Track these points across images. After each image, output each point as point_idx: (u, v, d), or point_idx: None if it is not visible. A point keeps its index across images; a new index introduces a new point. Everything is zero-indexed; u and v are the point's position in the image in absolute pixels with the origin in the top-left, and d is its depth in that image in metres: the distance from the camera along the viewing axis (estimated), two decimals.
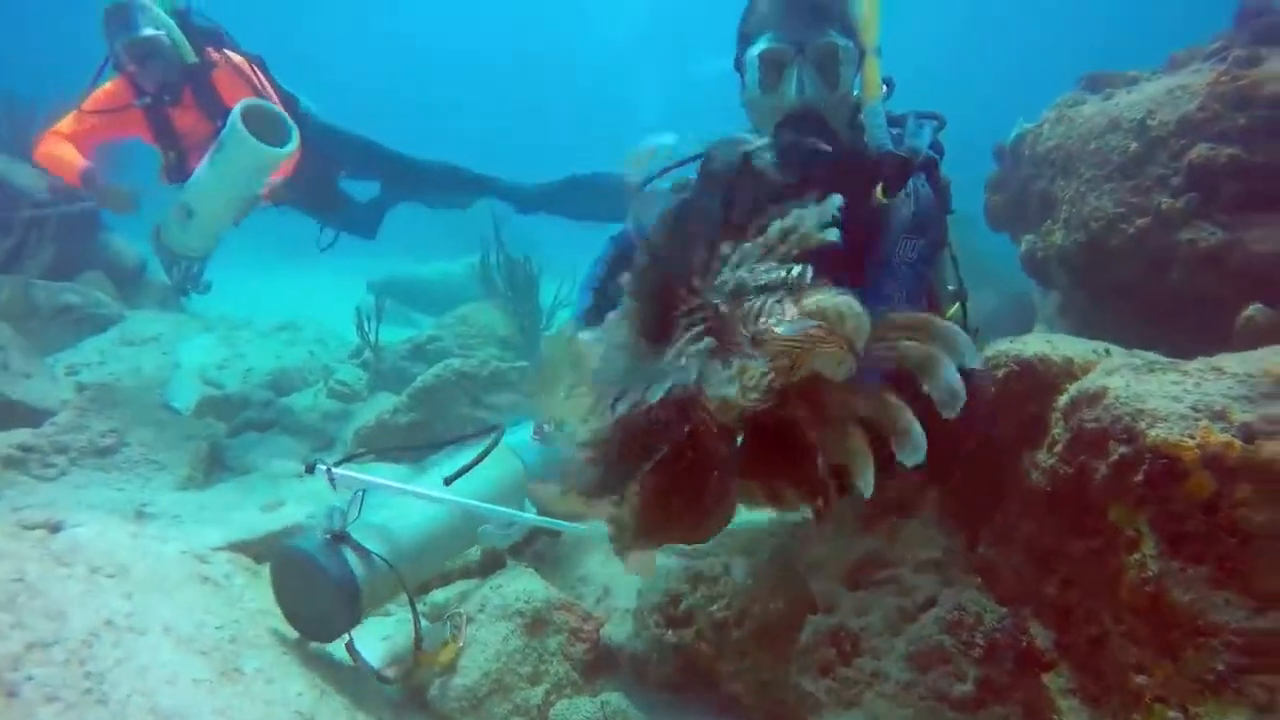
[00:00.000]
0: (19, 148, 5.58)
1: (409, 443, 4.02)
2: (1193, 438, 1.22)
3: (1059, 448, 1.42)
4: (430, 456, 2.97)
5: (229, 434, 4.29)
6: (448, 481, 1.94)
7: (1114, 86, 2.88)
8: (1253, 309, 2.10)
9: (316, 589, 1.73)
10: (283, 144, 3.35)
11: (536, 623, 2.02)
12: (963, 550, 1.68)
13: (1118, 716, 1.35)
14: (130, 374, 5.34)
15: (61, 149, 3.78)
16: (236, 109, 3.27)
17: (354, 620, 1.79)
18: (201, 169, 3.48)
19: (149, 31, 3.48)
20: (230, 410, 4.77)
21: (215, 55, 3.73)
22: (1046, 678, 1.51)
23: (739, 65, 1.65)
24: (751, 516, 1.66)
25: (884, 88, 1.58)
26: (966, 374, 0.84)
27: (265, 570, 2.20)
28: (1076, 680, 1.45)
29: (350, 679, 1.84)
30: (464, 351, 4.85)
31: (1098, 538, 1.37)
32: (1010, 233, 3.29)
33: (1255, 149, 2.35)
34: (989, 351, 1.60)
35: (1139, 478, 1.26)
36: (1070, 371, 1.52)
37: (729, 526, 1.28)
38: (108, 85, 3.75)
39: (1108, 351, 1.58)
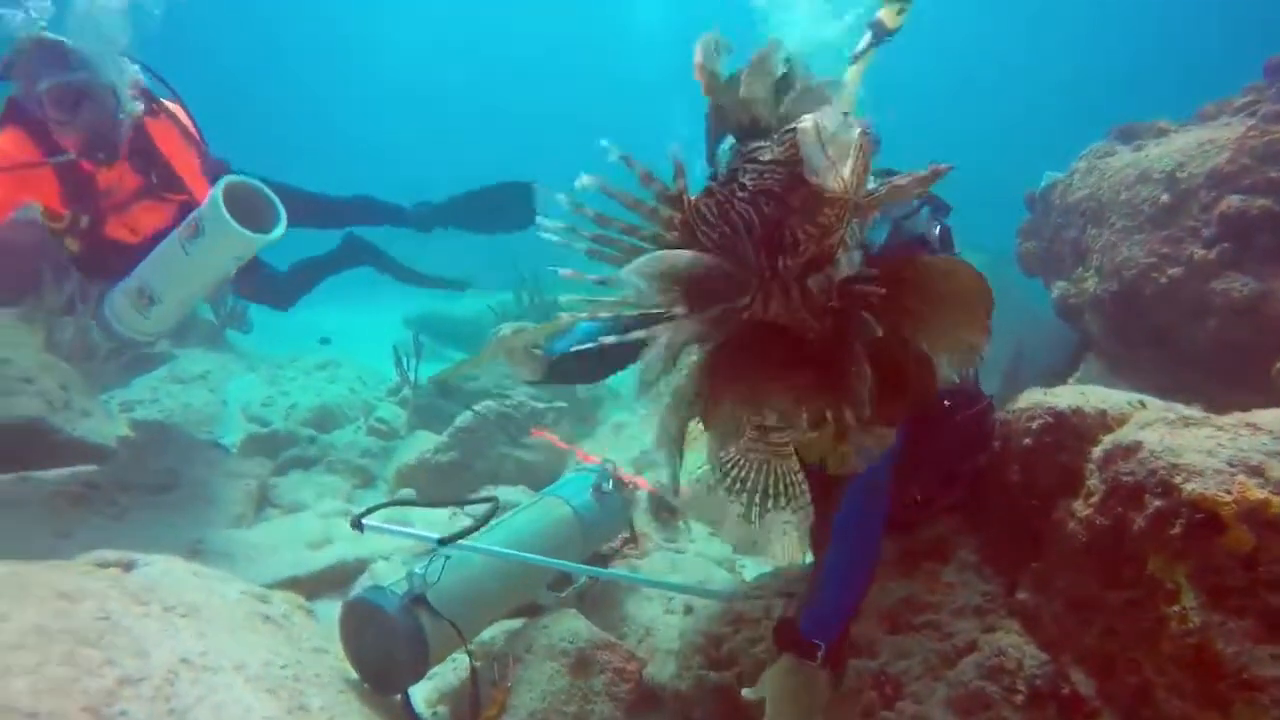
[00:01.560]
0: None
1: (444, 484, 4.12)
2: (1229, 492, 1.25)
3: (1095, 499, 1.46)
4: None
5: (275, 472, 4.43)
6: (442, 543, 1.95)
7: (1144, 138, 2.95)
8: None
9: (390, 647, 1.82)
10: (269, 224, 2.99)
11: (581, 662, 2.07)
12: (1002, 596, 1.71)
13: None
14: (181, 411, 5.54)
15: None
16: (218, 190, 2.88)
17: (418, 679, 1.87)
18: (167, 254, 3.08)
19: (83, 75, 2.97)
20: (276, 447, 4.92)
21: (152, 103, 3.31)
22: None
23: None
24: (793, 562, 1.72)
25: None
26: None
27: (318, 608, 2.30)
28: None
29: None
30: (500, 391, 4.97)
31: (1137, 588, 1.40)
32: (1043, 278, 3.35)
33: None
34: (1022, 402, 1.65)
35: (1177, 530, 1.30)
36: (1104, 423, 1.56)
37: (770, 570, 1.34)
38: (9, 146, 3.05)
39: (1143, 404, 1.62)
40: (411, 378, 5.66)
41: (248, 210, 2.95)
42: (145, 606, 1.77)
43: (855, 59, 1.65)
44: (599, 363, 1.64)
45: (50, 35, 2.91)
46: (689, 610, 2.36)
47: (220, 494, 3.61)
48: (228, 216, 2.82)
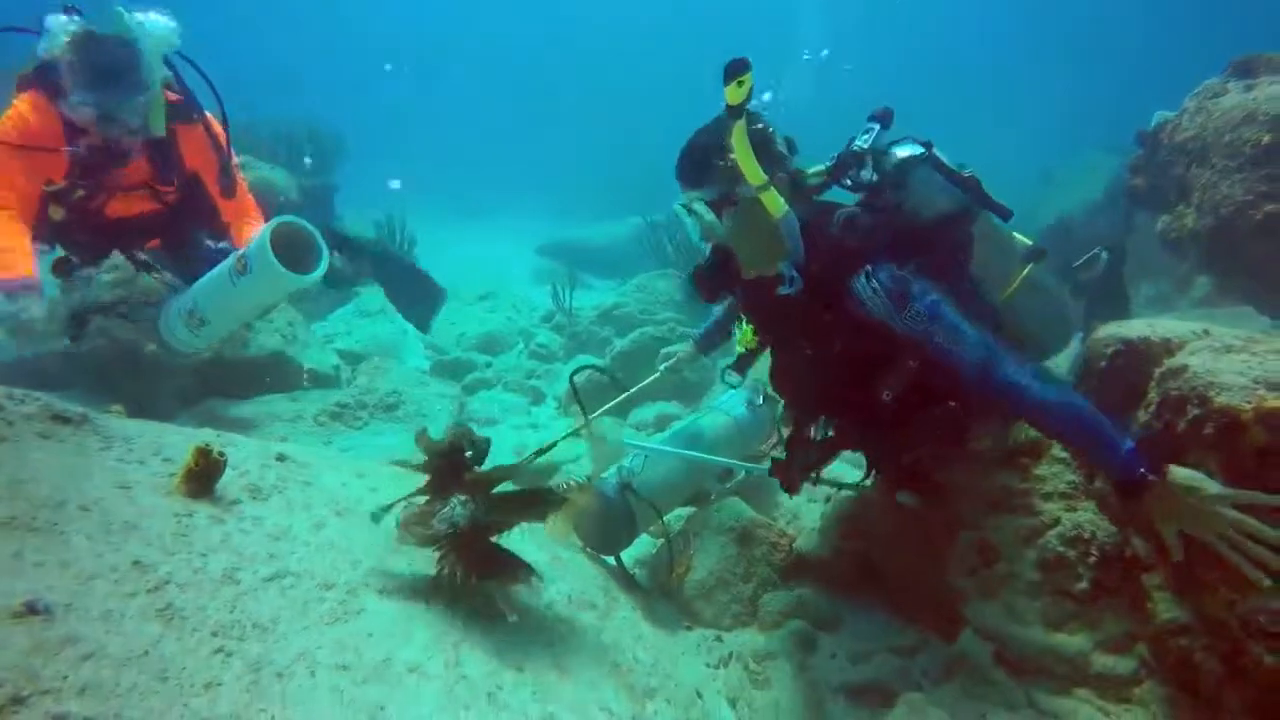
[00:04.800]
0: None
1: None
2: (1249, 403, 1.68)
3: (1152, 408, 1.90)
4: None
5: (465, 391, 5.27)
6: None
7: (1260, 74, 3.01)
8: None
9: (611, 521, 2.50)
10: (313, 258, 3.13)
11: (745, 536, 2.70)
12: (1083, 484, 2.18)
13: (1194, 601, 1.85)
14: (370, 340, 6.51)
15: None
16: (266, 232, 3.03)
17: (628, 545, 2.56)
18: (219, 284, 3.24)
19: (139, 97, 3.06)
20: (459, 370, 5.76)
21: (190, 110, 3.35)
22: (1145, 577, 2.01)
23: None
24: None
25: (785, 208, 1.90)
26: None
27: None
28: (1166, 577, 1.95)
29: (619, 574, 2.61)
30: (646, 316, 5.59)
31: None
32: (1150, 211, 3.53)
33: None
34: (1100, 333, 2.07)
35: (1209, 430, 1.74)
36: (1168, 348, 1.97)
37: None
38: (24, 107, 3.07)
39: (1206, 332, 2.01)
40: (567, 306, 6.31)
41: (293, 244, 3.13)
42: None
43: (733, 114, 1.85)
44: None
45: (103, 33, 2.96)
46: (828, 499, 2.94)
47: (434, 410, 4.45)
48: (274, 259, 2.99)
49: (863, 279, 1.89)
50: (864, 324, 1.91)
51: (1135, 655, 1.93)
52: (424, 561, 1.72)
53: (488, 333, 6.65)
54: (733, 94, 1.82)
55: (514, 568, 1.72)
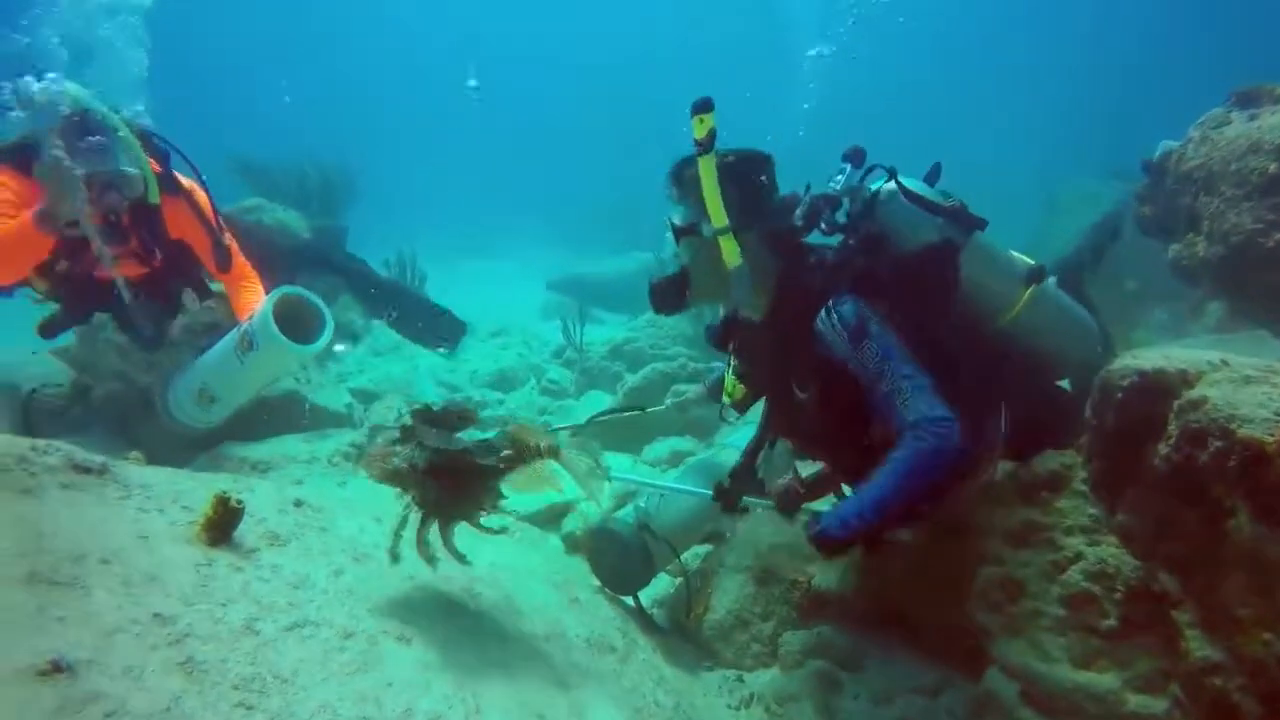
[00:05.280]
0: None
1: (621, 434, 4.83)
2: (1272, 435, 1.66)
3: (1172, 440, 1.88)
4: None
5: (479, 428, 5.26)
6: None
7: (1263, 104, 3.07)
8: None
9: (628, 561, 2.49)
10: (315, 333, 3.13)
11: (763, 574, 2.67)
12: (1105, 518, 2.15)
13: (1228, 639, 1.81)
14: (384, 378, 6.53)
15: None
16: (268, 308, 3.02)
17: (645, 585, 2.54)
18: (225, 363, 3.25)
19: (130, 170, 3.01)
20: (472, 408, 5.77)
21: (172, 183, 3.26)
22: (1175, 613, 1.97)
23: None
24: None
25: (738, 260, 1.97)
26: None
27: (551, 535, 3.03)
28: (1197, 614, 1.91)
29: (637, 615, 2.58)
30: (656, 351, 5.60)
31: (1206, 508, 1.82)
32: (1159, 240, 3.54)
33: None
34: (1115, 364, 2.05)
35: (1233, 464, 1.72)
36: (1186, 379, 1.95)
37: None
38: (13, 180, 2.97)
39: (1225, 363, 2.00)
40: (578, 342, 6.34)
41: (295, 313, 3.15)
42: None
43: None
44: None
45: (95, 111, 2.89)
46: None
47: None
48: (279, 335, 3.00)
49: (824, 314, 1.93)
50: (834, 366, 1.94)
51: (1168, 695, 1.89)
52: (445, 608, 1.71)
53: (500, 369, 6.67)
54: (696, 129, 1.88)
55: (477, 498, 1.69)
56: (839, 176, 2.14)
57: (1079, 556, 2.12)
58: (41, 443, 1.63)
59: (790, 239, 2.08)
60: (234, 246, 3.55)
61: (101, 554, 1.35)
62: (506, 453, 1.70)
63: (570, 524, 3.41)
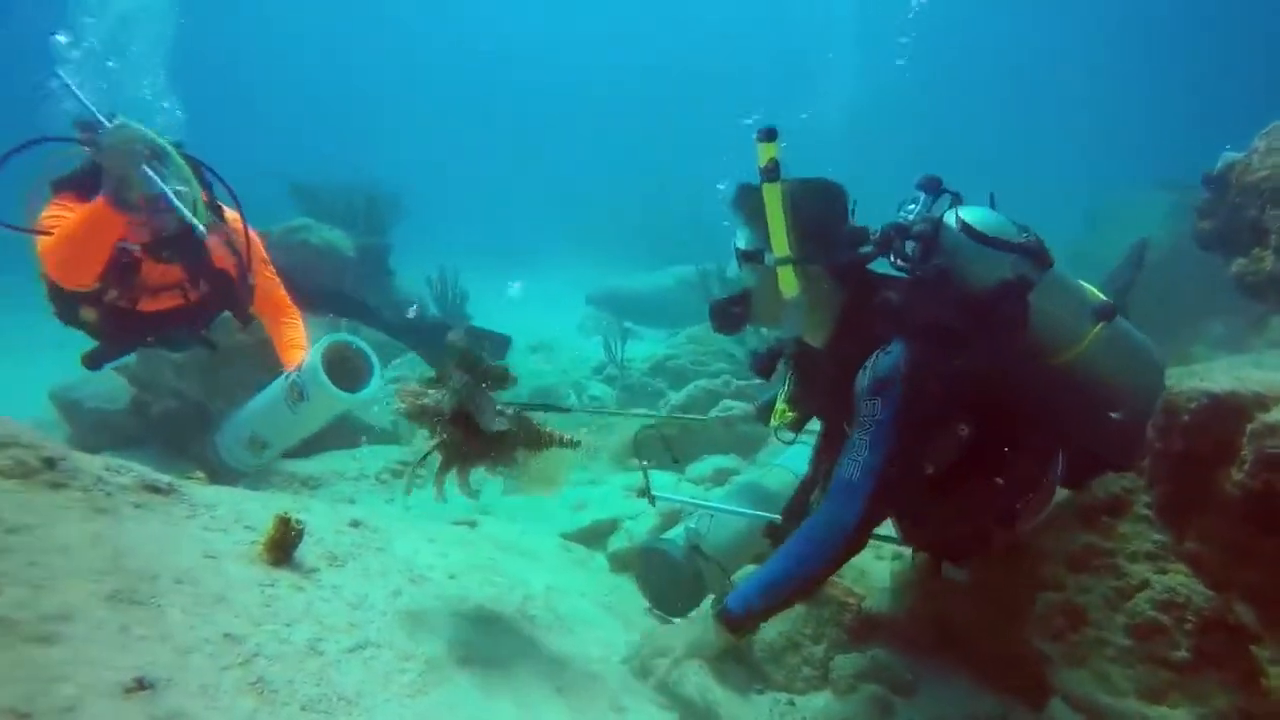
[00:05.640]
0: None
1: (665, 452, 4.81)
2: None
3: (1248, 466, 1.81)
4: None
5: None
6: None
7: None
8: None
9: (678, 581, 2.47)
10: (363, 374, 3.21)
11: (813, 596, 2.63)
12: (1171, 544, 2.08)
13: None
14: None
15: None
16: (317, 358, 3.08)
17: (698, 604, 2.52)
18: (276, 412, 3.34)
19: (182, 188, 2.97)
20: None
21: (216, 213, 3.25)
22: (1254, 648, 1.90)
23: None
24: None
25: (796, 291, 1.94)
26: None
27: (597, 553, 3.02)
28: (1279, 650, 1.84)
29: None
30: (699, 368, 5.58)
31: None
32: (1221, 255, 3.43)
33: None
34: (1182, 385, 1.98)
35: None
36: (1261, 402, 1.89)
37: None
38: (75, 203, 2.97)
39: None
40: (620, 359, 6.34)
41: (339, 358, 3.23)
42: (506, 551, 2.54)
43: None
44: None
45: (163, 142, 2.88)
46: (897, 556, 2.85)
47: None
48: (329, 384, 3.07)
49: (875, 356, 1.89)
50: None
51: None
52: (500, 629, 1.72)
53: (541, 387, 6.70)
54: (760, 155, 1.87)
55: (508, 445, 1.72)
56: (911, 205, 2.09)
57: (1145, 584, 2.05)
58: (115, 462, 1.68)
59: (857, 270, 2.03)
60: (274, 280, 3.58)
61: (174, 573, 1.38)
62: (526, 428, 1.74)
63: (616, 542, 3.40)
